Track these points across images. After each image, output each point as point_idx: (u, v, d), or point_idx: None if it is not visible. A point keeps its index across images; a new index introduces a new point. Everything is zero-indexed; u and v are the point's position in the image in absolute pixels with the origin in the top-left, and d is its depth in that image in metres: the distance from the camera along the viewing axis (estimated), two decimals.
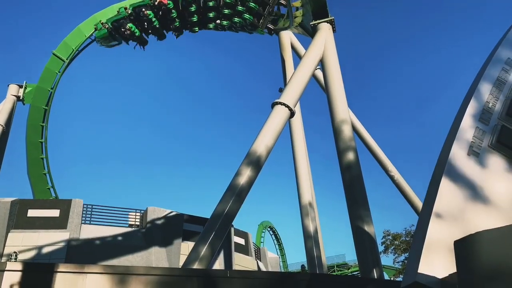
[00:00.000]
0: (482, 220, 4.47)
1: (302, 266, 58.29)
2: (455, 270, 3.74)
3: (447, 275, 4.02)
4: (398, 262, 39.46)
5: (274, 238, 60.54)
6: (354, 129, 19.74)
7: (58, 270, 6.97)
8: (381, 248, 39.59)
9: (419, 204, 21.54)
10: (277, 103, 13.38)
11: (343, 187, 13.51)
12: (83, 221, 19.42)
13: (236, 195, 11.15)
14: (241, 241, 25.33)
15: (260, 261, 27.80)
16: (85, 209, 19.88)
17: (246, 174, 11.74)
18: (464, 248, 3.49)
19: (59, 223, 18.46)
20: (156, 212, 20.96)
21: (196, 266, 10.26)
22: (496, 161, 5.01)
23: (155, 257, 19.33)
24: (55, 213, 18.71)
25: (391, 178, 20.81)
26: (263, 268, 25.81)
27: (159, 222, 20.68)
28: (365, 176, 13.88)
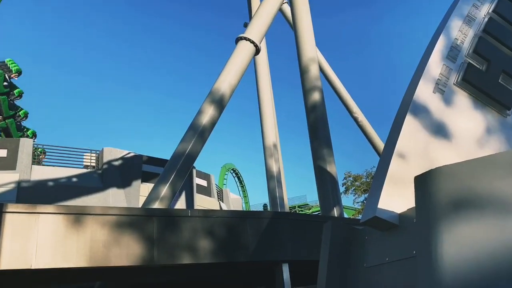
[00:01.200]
0: (444, 156, 4.66)
1: (265, 205, 60.45)
2: (414, 206, 3.91)
3: (406, 209, 4.22)
4: (358, 202, 41.67)
5: (237, 180, 61.82)
6: (321, 69, 19.76)
7: (7, 210, 6.76)
8: (342, 189, 41.66)
9: (382, 146, 22.35)
10: (241, 38, 13.05)
11: (308, 127, 13.75)
12: (34, 162, 18.89)
13: (198, 135, 11.14)
14: (203, 182, 25.68)
15: (223, 202, 28.48)
16: (36, 149, 19.28)
17: (208, 113, 11.64)
18: (424, 182, 3.64)
19: (7, 164, 17.89)
20: (113, 153, 20.65)
21: (156, 206, 10.43)
22: (460, 99, 5.14)
23: (113, 199, 19.32)
24: (2, 153, 18.05)
25: (355, 119, 21.28)
26: (225, 209, 26.51)
27: (116, 163, 20.45)
28: (330, 118, 14.15)
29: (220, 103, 11.98)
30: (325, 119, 13.69)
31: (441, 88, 5.10)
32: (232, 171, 59.92)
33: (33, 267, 6.68)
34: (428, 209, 3.55)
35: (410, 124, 4.71)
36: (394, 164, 4.48)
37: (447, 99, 5.08)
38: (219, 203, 26.90)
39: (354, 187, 39.20)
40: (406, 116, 4.70)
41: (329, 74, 22.59)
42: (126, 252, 7.39)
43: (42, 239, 6.87)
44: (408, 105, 4.84)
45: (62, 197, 18.14)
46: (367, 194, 40.08)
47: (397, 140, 4.59)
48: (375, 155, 22.88)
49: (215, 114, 11.88)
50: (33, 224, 6.88)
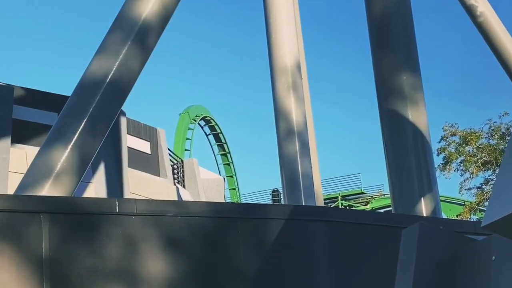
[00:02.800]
0: None
1: (275, 192, 61.22)
2: None
3: None
4: (470, 189, 41.93)
5: (213, 141, 62.27)
6: None
7: None
8: (437, 161, 41.46)
9: None
10: None
11: (368, 25, 13.69)
12: None
13: (135, 37, 11.24)
14: (143, 146, 25.79)
15: (184, 187, 28.70)
16: None
17: None
18: None
19: None
20: None
21: (45, 192, 10.55)
22: None
23: None
24: None
25: (471, 11, 21.09)
26: (188, 199, 26.77)
27: None
28: (416, 6, 14.18)
29: None
30: (407, 8, 13.72)
31: None
32: (203, 123, 60.17)
33: None
34: None
35: None
36: None
37: None
38: (176, 188, 27.07)
39: (463, 157, 39.00)
40: None
41: None
42: None
43: None
44: None
45: None
46: (491, 173, 40.09)
47: None
48: (510, 87, 22.82)
49: None
50: None
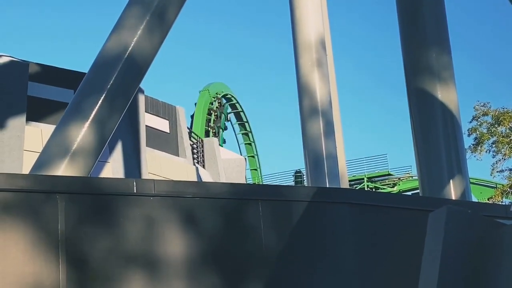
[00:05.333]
0: None
1: (297, 173, 61.18)
2: None
3: None
4: (502, 171, 41.72)
5: (234, 120, 62.30)
6: None
7: None
8: (468, 142, 41.20)
9: None
10: None
11: (397, 6, 13.63)
12: None
13: (152, 12, 11.23)
14: (161, 124, 25.84)
15: (204, 167, 28.76)
16: None
17: None
18: None
19: None
20: None
21: (61, 172, 10.64)
22: None
23: None
24: None
25: None
26: (208, 180, 26.83)
27: None
28: None
29: None
30: None
31: None
32: (224, 101, 60.14)
33: None
34: None
35: None
36: None
37: None
38: (196, 168, 27.13)
39: (495, 138, 38.74)
40: None
41: None
42: (2, 271, 7.58)
43: None
44: None
45: None
46: None
47: None
48: None
49: None
50: None
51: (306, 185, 20.80)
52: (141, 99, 23.91)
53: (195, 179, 25.78)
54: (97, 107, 10.89)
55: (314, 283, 9.12)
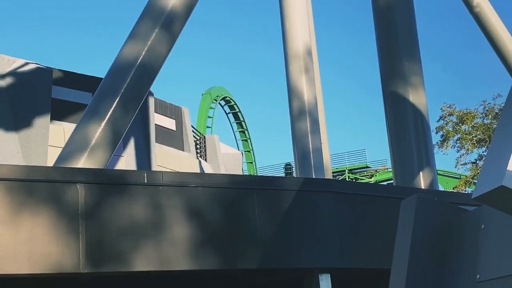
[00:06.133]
0: None
1: (287, 166, 61.21)
2: None
3: None
4: (465, 164, 41.79)
5: (232, 119, 62.23)
6: None
7: None
8: (435, 138, 41.36)
9: None
10: None
11: (374, 16, 13.66)
12: None
13: (162, 24, 11.27)
14: (169, 123, 25.78)
15: (206, 160, 28.73)
16: None
17: None
18: None
19: None
20: None
21: (81, 165, 10.65)
22: None
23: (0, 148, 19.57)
24: None
25: (468, 3, 20.92)
26: (209, 172, 26.79)
27: (2, 82, 20.49)
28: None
29: None
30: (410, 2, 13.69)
31: None
32: (223, 103, 60.09)
33: None
34: None
35: None
36: None
37: None
38: (199, 161, 27.11)
39: (459, 135, 38.84)
40: None
41: None
42: (28, 251, 7.59)
43: None
44: None
45: None
46: (484, 149, 39.99)
47: None
48: (503, 73, 22.60)
49: None
50: None
51: (295, 176, 20.71)
52: (151, 101, 23.88)
53: (198, 171, 25.73)
54: (112, 108, 10.91)
55: (302, 257, 9.22)
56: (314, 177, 15.81)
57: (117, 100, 10.86)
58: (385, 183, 50.05)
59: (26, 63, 21.15)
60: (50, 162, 17.26)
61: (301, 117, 17.03)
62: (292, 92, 17.62)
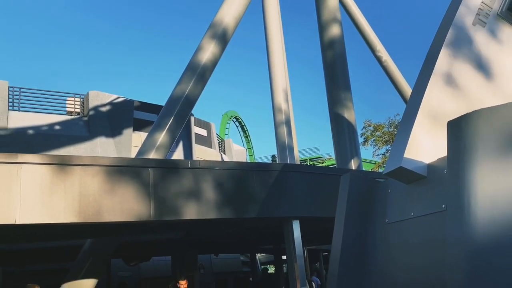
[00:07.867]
0: (483, 98, 4.61)
1: (273, 157, 61.06)
2: (445, 155, 3.90)
3: (436, 159, 4.23)
4: (378, 155, 41.88)
5: (240, 130, 62.09)
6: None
7: None
8: (360, 140, 41.92)
9: (408, 91, 22.15)
10: None
11: (323, 66, 13.74)
12: (10, 107, 18.91)
13: (197, 75, 11.25)
14: (202, 132, 25.84)
15: (225, 154, 28.77)
16: (11, 92, 19.22)
17: (209, 50, 11.57)
18: (459, 128, 3.60)
19: None
20: (100, 97, 20.62)
21: (151, 156, 10.63)
22: (505, 31, 5.02)
23: (102, 149, 19.54)
24: None
25: (379, 59, 20.90)
26: (226, 160, 26.81)
27: (104, 109, 20.45)
28: (349, 57, 14.11)
29: (222, 38, 11.84)
30: (344, 57, 13.63)
31: (482, 20, 4.97)
32: (234, 120, 60.01)
33: (17, 222, 6.84)
34: (461, 158, 3.53)
35: (444, 60, 4.63)
36: (425, 107, 4.41)
37: (490, 32, 4.97)
38: (221, 154, 27.18)
39: (374, 138, 39.15)
40: (441, 52, 4.61)
41: (349, 5, 21.96)
42: (120, 207, 7.59)
43: (26, 191, 6.95)
44: (443, 39, 4.73)
45: (44, 147, 18.33)
46: (389, 146, 40.35)
47: (429, 79, 4.52)
48: (400, 101, 22.66)
49: (216, 51, 11.77)
50: (15, 175, 6.95)
51: (278, 162, 20.68)
52: (192, 118, 23.94)
53: (220, 160, 25.80)
54: (169, 124, 10.90)
55: (282, 210, 9.23)
56: (289, 162, 15.81)
57: (171, 119, 10.87)
58: (331, 166, 49.98)
59: (118, 97, 21.18)
60: (133, 155, 17.31)
61: (281, 125, 17.03)
62: (276, 111, 17.62)
